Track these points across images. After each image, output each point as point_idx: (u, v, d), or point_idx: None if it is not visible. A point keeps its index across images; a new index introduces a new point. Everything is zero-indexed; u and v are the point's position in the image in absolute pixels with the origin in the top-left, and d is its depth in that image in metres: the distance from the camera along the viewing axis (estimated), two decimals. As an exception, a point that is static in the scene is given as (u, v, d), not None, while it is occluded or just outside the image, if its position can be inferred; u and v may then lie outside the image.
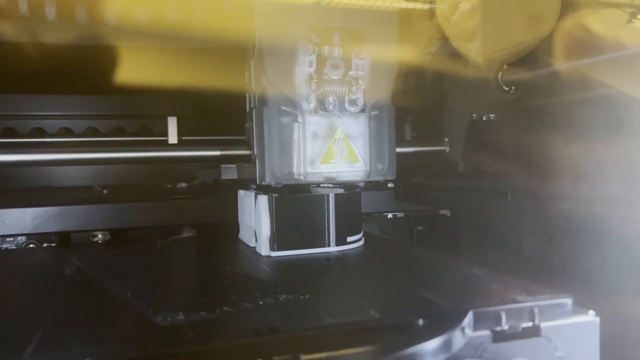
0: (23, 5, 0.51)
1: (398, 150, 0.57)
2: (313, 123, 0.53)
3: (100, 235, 0.62)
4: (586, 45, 0.45)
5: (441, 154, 0.65)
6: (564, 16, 0.48)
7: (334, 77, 0.53)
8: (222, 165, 0.63)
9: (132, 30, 0.54)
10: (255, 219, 0.51)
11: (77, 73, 0.72)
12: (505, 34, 0.54)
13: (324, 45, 0.53)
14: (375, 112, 0.55)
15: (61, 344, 0.29)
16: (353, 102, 0.54)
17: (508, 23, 0.53)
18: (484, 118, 0.60)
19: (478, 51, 0.56)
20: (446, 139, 0.64)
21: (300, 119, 0.52)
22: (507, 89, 0.56)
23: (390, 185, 0.70)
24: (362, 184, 0.56)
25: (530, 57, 0.51)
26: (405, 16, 0.56)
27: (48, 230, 0.58)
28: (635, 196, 0.41)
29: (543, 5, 0.50)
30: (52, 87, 0.77)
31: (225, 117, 0.74)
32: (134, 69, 0.68)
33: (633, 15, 0.47)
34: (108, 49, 0.65)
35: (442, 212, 0.71)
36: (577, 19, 0.46)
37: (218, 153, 0.59)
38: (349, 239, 0.52)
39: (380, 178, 0.56)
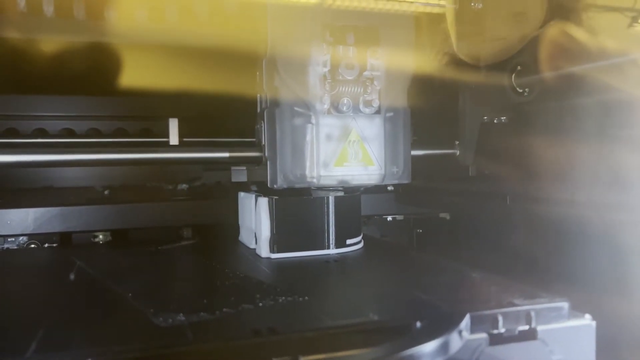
0: (22, 2, 0.51)
1: (411, 153, 0.56)
2: (327, 124, 0.52)
3: (101, 236, 0.62)
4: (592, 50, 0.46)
5: (449, 157, 0.63)
6: (556, 17, 0.48)
7: (349, 78, 0.52)
8: (233, 168, 0.63)
9: (135, 30, 0.54)
10: (256, 221, 0.51)
11: (79, 74, 0.72)
12: (487, 28, 0.53)
13: (338, 45, 0.52)
14: (391, 114, 0.54)
15: (63, 344, 0.29)
16: (368, 104, 0.53)
17: (490, 17, 0.53)
18: (495, 121, 0.59)
19: (464, 47, 0.56)
20: (457, 142, 0.63)
21: (313, 120, 0.51)
22: (520, 90, 0.54)
23: (390, 188, 0.71)
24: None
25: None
26: (416, 16, 0.55)
27: (49, 231, 0.59)
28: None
29: (526, 4, 0.50)
30: (54, 88, 0.78)
31: (228, 119, 0.74)
32: (136, 70, 0.69)
33: (634, 20, 0.47)
34: (110, 50, 0.66)
35: (442, 215, 0.71)
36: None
37: (227, 155, 0.56)
38: (349, 241, 0.52)
39: (395, 181, 0.55)
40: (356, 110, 0.53)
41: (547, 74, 0.50)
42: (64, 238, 0.61)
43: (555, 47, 0.47)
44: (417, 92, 0.57)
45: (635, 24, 0.48)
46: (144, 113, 0.83)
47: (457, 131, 0.62)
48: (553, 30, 0.47)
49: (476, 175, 0.62)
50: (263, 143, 0.53)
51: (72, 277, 0.44)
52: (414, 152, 0.58)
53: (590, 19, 0.47)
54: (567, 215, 0.46)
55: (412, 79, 0.55)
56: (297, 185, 0.51)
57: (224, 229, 0.61)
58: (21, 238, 0.60)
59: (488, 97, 0.58)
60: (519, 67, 0.54)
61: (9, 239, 0.60)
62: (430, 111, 0.65)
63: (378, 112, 0.53)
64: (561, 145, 0.49)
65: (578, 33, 0.45)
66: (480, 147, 0.61)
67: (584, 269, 0.44)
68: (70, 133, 0.81)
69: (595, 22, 0.48)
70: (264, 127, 0.53)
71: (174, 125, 0.81)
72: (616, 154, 0.43)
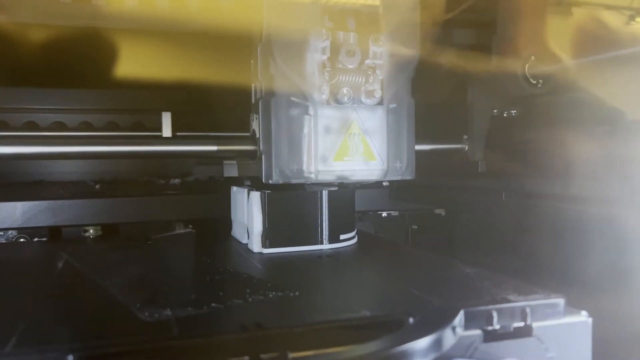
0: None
1: (415, 148, 0.52)
2: (325, 116, 0.49)
3: (91, 231, 0.61)
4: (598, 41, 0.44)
5: (457, 152, 0.60)
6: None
7: (349, 66, 0.49)
8: (225, 162, 0.61)
9: (126, 19, 0.53)
10: (248, 216, 0.50)
11: (71, 66, 0.71)
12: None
13: (338, 31, 0.48)
14: (394, 106, 0.51)
15: (45, 339, 0.28)
16: (370, 94, 0.50)
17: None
18: (504, 114, 0.56)
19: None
20: (465, 137, 0.59)
21: (311, 112, 0.48)
22: (534, 82, 0.52)
23: (385, 183, 0.70)
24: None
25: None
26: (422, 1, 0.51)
27: (38, 225, 0.58)
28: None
29: None
30: (46, 81, 0.77)
31: (225, 113, 0.73)
32: (128, 62, 0.68)
33: (631, 18, 0.46)
34: (102, 42, 0.64)
35: (437, 211, 0.71)
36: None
37: (215, 148, 0.53)
38: (342, 236, 0.51)
39: (398, 177, 0.51)
40: (357, 101, 0.50)
41: (565, 63, 0.48)
42: (54, 232, 0.60)
43: (585, 34, 0.45)
44: (423, 83, 0.54)
45: (632, 22, 0.48)
46: (137, 106, 0.82)
47: (465, 125, 0.59)
48: (582, 17, 0.45)
49: (478, 171, 0.59)
50: (258, 136, 0.51)
51: (58, 270, 0.43)
52: (420, 147, 0.54)
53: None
54: (571, 212, 0.45)
55: (418, 69, 0.51)
56: (293, 181, 0.49)
57: (216, 224, 0.61)
58: (10, 232, 0.59)
59: (499, 89, 0.55)
60: (532, 57, 0.52)
61: (-3, 233, 0.59)
62: (437, 104, 0.62)
63: (380, 103, 0.50)
64: (576, 139, 0.47)
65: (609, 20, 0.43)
66: (490, 141, 0.58)
67: (587, 267, 0.43)
68: (62, 126, 0.80)
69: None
70: (259, 118, 0.50)
71: (167, 119, 0.80)
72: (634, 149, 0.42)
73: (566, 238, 0.45)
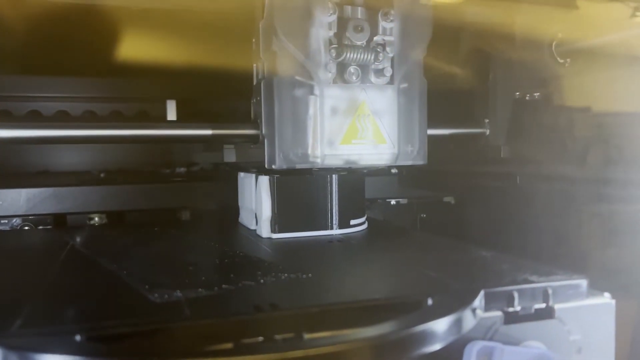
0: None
1: (431, 132, 0.50)
2: (332, 96, 0.46)
3: (96, 218, 0.61)
4: None
5: (478, 137, 0.57)
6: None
7: (357, 43, 0.46)
8: (225, 146, 0.60)
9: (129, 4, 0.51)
10: (256, 201, 0.49)
11: (75, 54, 0.70)
12: None
13: (345, 4, 0.46)
14: (405, 86, 0.48)
15: (54, 319, 0.27)
16: (379, 73, 0.47)
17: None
18: (527, 97, 0.53)
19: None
20: (486, 120, 0.56)
21: (317, 92, 0.45)
22: (562, 61, 0.49)
23: (394, 170, 0.69)
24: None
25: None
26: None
27: (43, 212, 0.57)
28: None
29: None
30: (49, 69, 0.75)
31: (230, 100, 0.71)
32: (132, 50, 0.67)
33: (636, 10, 0.45)
34: (106, 29, 0.63)
35: (446, 199, 0.70)
36: None
37: (210, 132, 0.50)
38: (352, 222, 0.50)
39: (410, 162, 0.49)
40: (366, 80, 0.47)
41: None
42: (58, 220, 0.59)
43: None
44: (440, 64, 0.52)
45: (638, 14, 0.47)
46: (141, 95, 0.80)
47: (486, 109, 0.56)
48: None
49: (500, 157, 0.57)
50: (260, 119, 0.48)
51: (64, 255, 0.42)
52: (440, 131, 0.52)
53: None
54: (582, 197, 0.44)
55: (435, 48, 0.49)
56: (298, 166, 0.47)
57: (223, 210, 0.60)
58: (15, 220, 0.58)
59: (523, 69, 0.52)
60: (560, 35, 0.49)
61: (1, 221, 0.58)
62: (456, 86, 0.59)
63: (391, 83, 0.48)
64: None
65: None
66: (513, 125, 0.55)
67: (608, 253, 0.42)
68: (65, 115, 0.79)
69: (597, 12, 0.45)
70: (261, 100, 0.48)
71: (171, 107, 0.80)
72: None
73: (587, 223, 0.44)
